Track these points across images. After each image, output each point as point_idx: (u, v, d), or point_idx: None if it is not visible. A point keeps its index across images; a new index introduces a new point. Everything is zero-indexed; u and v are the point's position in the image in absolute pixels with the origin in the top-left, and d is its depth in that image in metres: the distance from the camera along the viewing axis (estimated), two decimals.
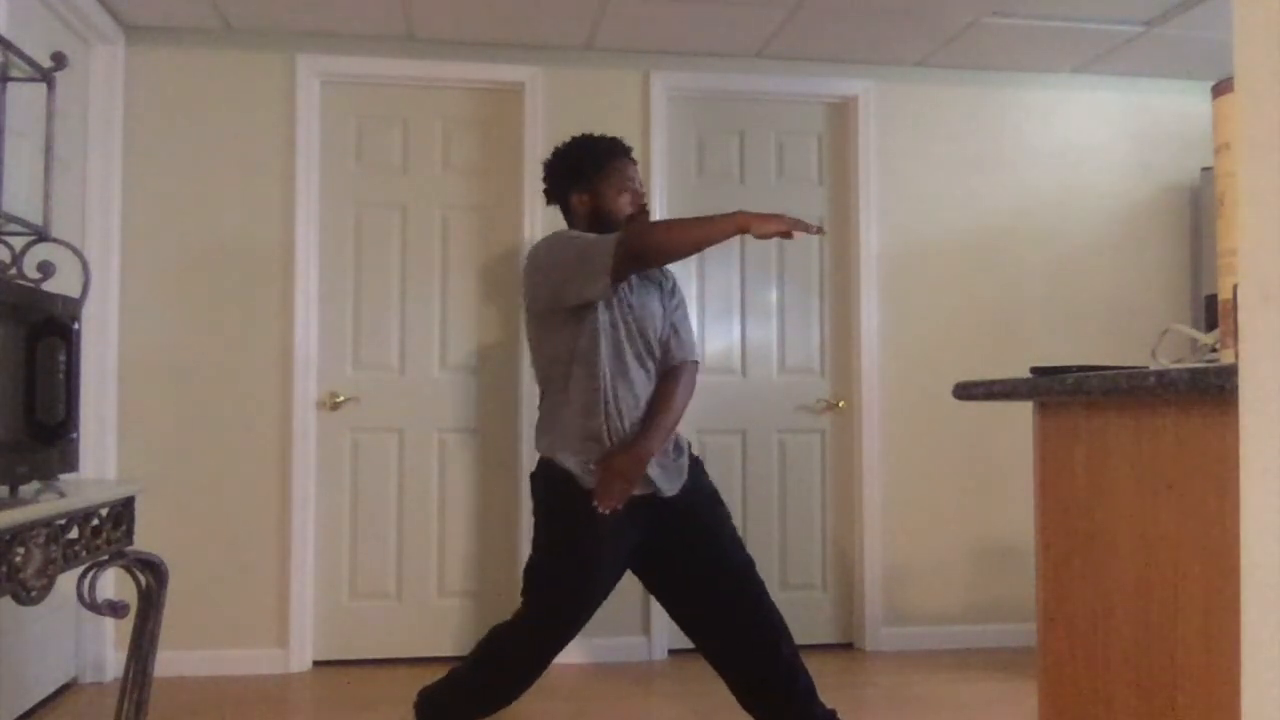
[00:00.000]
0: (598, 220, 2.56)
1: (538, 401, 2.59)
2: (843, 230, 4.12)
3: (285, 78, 3.77)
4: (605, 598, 2.52)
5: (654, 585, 2.59)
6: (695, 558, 2.51)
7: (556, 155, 2.63)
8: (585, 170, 2.57)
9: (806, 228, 2.26)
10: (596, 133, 2.65)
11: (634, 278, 2.51)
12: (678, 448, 2.55)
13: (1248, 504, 0.85)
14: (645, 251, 2.35)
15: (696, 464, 2.60)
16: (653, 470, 2.46)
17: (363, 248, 3.85)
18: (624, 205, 2.57)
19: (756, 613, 2.49)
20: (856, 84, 4.08)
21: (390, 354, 3.85)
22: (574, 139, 2.64)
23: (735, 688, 2.51)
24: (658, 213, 3.81)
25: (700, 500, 2.55)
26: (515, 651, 2.50)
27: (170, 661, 3.33)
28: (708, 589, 2.52)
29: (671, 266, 2.63)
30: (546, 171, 2.65)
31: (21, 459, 1.97)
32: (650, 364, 2.52)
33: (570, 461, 2.44)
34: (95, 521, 2.06)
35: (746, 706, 2.52)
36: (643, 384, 2.49)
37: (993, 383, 1.72)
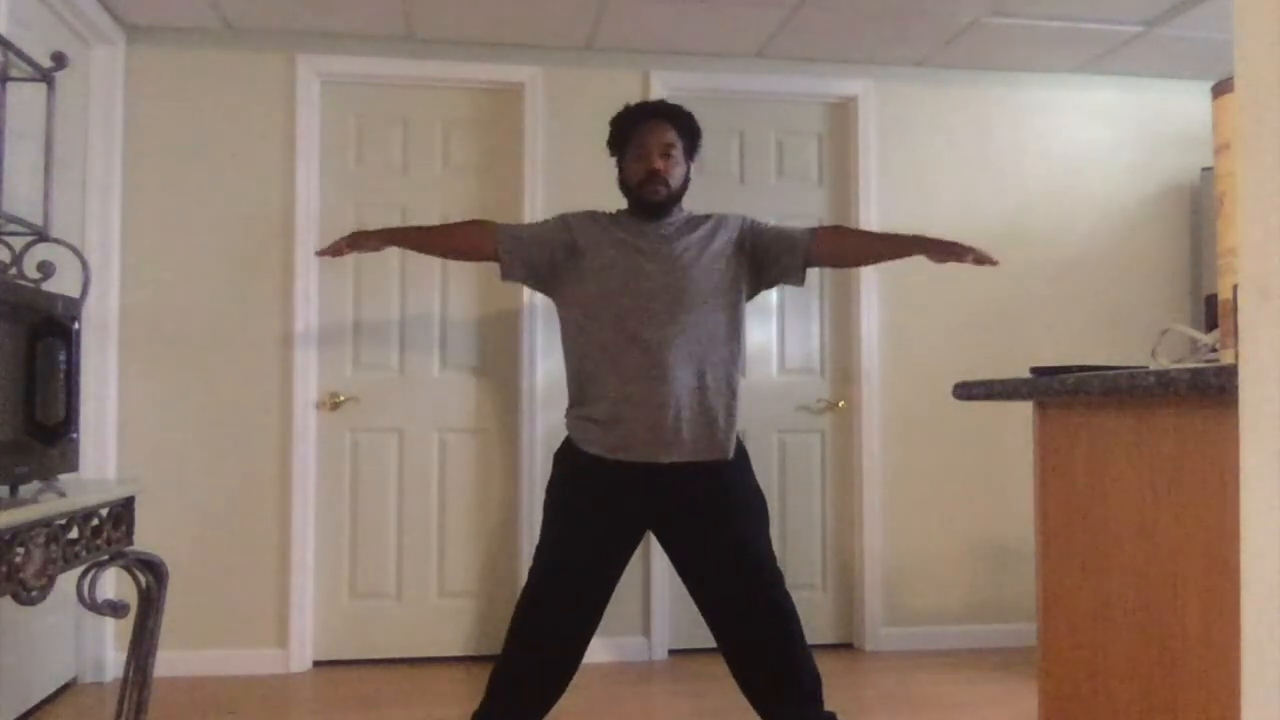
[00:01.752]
0: (623, 189, 2.66)
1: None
2: None
3: (285, 78, 3.77)
4: (597, 570, 2.49)
5: (675, 564, 2.60)
6: (702, 543, 2.51)
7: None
8: (615, 142, 2.67)
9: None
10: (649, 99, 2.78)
11: (623, 242, 2.55)
12: (691, 420, 2.48)
13: (1248, 504, 0.85)
14: None
15: (738, 456, 2.57)
16: (637, 434, 2.45)
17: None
18: (636, 173, 2.60)
19: (756, 609, 2.48)
20: (856, 84, 4.08)
21: (390, 354, 3.85)
22: (625, 106, 2.71)
23: (736, 677, 2.53)
24: None
25: (722, 488, 2.51)
26: (512, 619, 2.54)
27: (170, 661, 3.33)
28: (709, 577, 2.51)
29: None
30: None
31: (21, 459, 1.97)
32: (650, 325, 2.47)
33: (569, 423, 2.60)
34: (95, 521, 2.06)
35: (747, 696, 2.53)
36: (637, 348, 2.46)
37: (993, 383, 1.72)
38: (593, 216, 2.67)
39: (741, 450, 2.59)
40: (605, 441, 2.48)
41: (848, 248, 2.80)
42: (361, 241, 2.67)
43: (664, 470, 2.46)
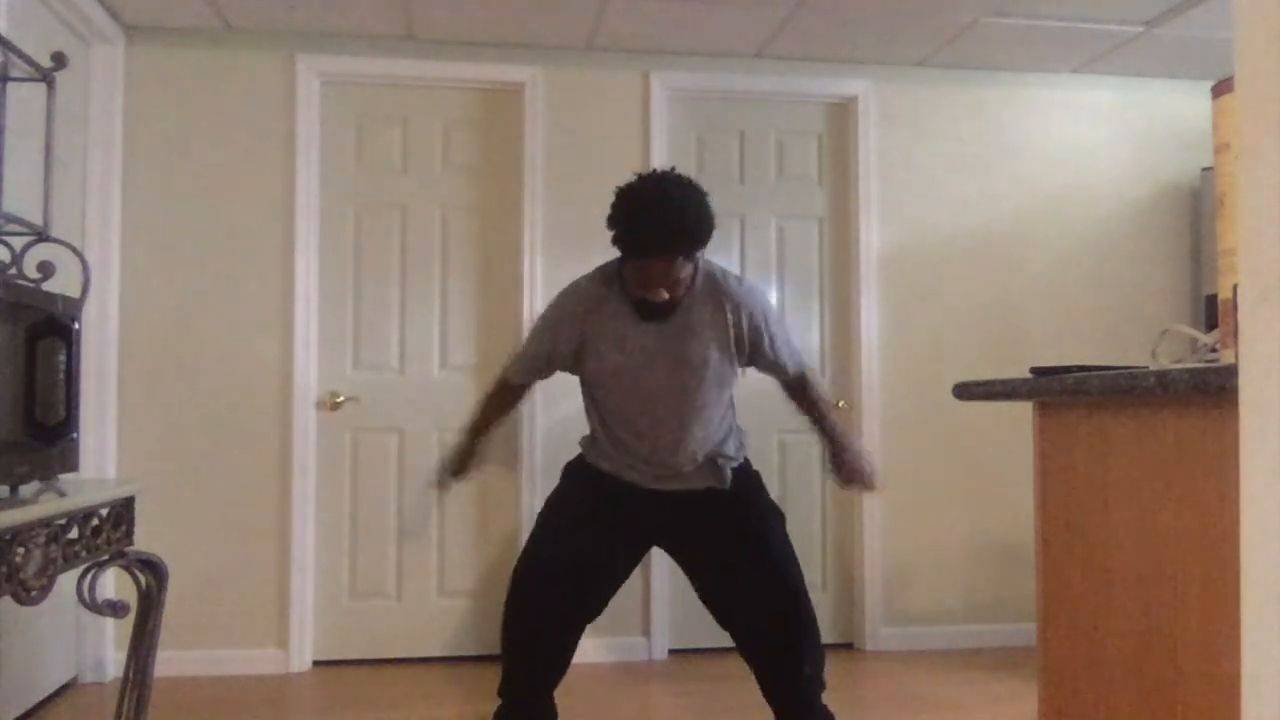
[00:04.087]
0: (621, 272, 2.51)
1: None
2: (843, 230, 4.12)
3: (285, 78, 3.77)
4: (583, 568, 2.53)
5: (692, 579, 2.66)
6: (708, 557, 2.56)
7: (613, 204, 2.38)
8: (617, 245, 2.41)
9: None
10: (656, 201, 2.33)
11: (625, 337, 2.50)
12: (692, 475, 2.57)
13: (1248, 504, 0.85)
14: None
15: (742, 476, 2.63)
16: (628, 471, 2.57)
17: (363, 248, 3.85)
18: (635, 288, 2.42)
19: (760, 622, 2.51)
20: (856, 84, 4.08)
21: (390, 354, 3.85)
22: (630, 202, 2.35)
23: (748, 664, 2.59)
24: None
25: (730, 503, 2.57)
26: (505, 602, 2.60)
27: (170, 661, 3.33)
28: (717, 589, 2.57)
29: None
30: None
31: (21, 459, 1.97)
32: (652, 418, 2.51)
33: (582, 441, 2.70)
34: (95, 521, 2.06)
35: (756, 679, 2.58)
36: (638, 435, 2.53)
37: (993, 383, 1.72)
38: (595, 300, 2.51)
39: (745, 473, 2.63)
40: (614, 466, 2.59)
41: (800, 403, 2.77)
42: (460, 467, 2.73)
43: (668, 492, 2.57)
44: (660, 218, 2.29)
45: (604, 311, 2.49)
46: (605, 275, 2.54)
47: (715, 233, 2.40)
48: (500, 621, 2.59)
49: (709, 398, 2.51)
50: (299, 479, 3.70)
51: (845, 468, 2.67)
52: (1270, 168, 0.82)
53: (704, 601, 2.62)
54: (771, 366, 2.64)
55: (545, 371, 2.66)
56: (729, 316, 2.49)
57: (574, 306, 2.54)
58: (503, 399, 2.73)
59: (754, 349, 2.57)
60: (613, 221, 2.35)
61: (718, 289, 2.50)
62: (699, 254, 2.44)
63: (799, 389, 2.72)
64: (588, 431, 2.68)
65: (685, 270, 2.38)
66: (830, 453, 2.70)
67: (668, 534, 2.61)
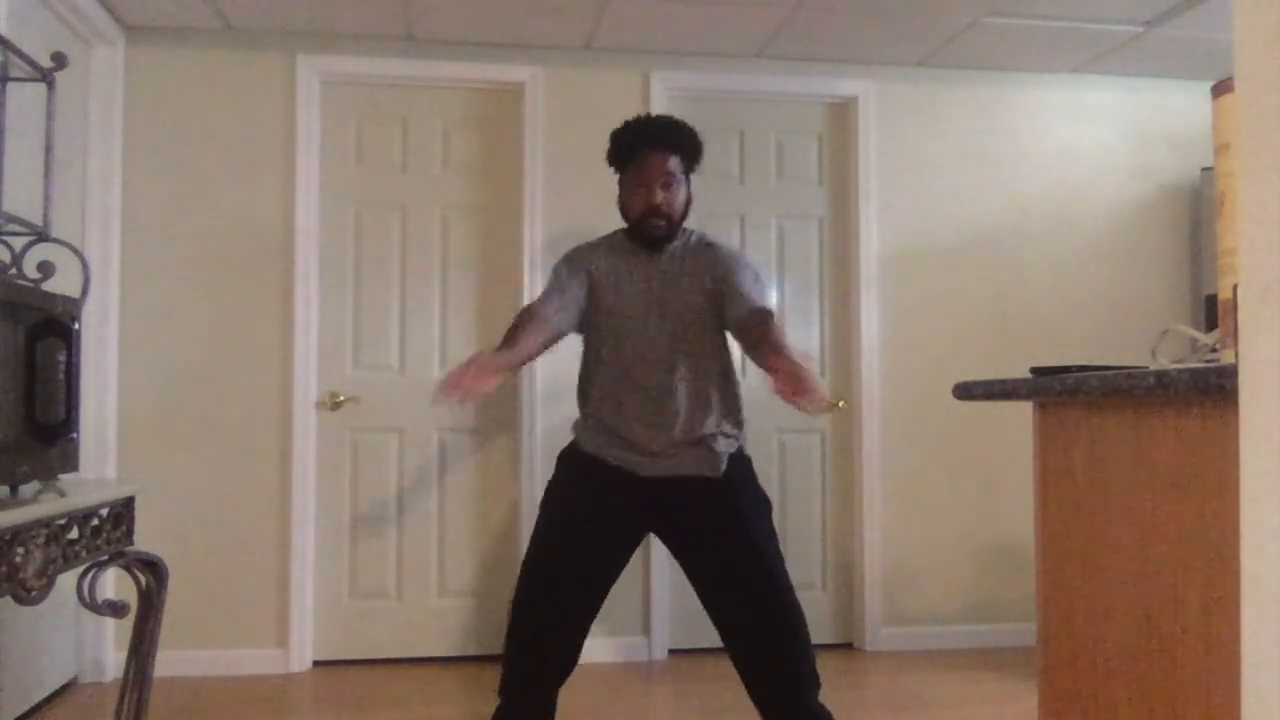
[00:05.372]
0: (623, 213, 2.63)
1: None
2: (843, 230, 4.12)
3: (285, 78, 3.77)
4: (590, 559, 2.50)
5: (684, 569, 2.62)
6: (709, 548, 2.54)
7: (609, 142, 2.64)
8: (615, 162, 2.63)
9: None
10: (646, 115, 2.65)
11: (625, 285, 2.55)
12: (688, 455, 2.54)
13: (1248, 504, 0.85)
14: None
15: (737, 464, 2.59)
16: (619, 452, 2.53)
17: (363, 248, 3.85)
18: (635, 205, 2.56)
19: (766, 617, 2.50)
20: (856, 84, 4.08)
21: (390, 354, 3.85)
22: (624, 123, 2.62)
23: (739, 673, 2.55)
24: None
25: (722, 494, 2.54)
26: (510, 613, 2.56)
27: (170, 661, 3.33)
28: (718, 582, 2.55)
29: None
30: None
31: (21, 459, 1.97)
32: (652, 371, 2.52)
33: (575, 426, 2.66)
34: (95, 521, 2.06)
35: (747, 689, 2.56)
36: (639, 393, 2.51)
37: (993, 383, 1.72)
38: (594, 247, 2.66)
39: (738, 461, 2.61)
40: (606, 449, 2.56)
41: (750, 341, 2.46)
42: (486, 376, 2.26)
43: (660, 480, 2.52)
44: (651, 117, 2.64)
45: (605, 254, 2.62)
46: (605, 235, 2.70)
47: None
48: (504, 620, 2.59)
49: (700, 344, 2.54)
50: (299, 479, 3.70)
51: (791, 376, 2.11)
52: (1270, 168, 0.82)
53: (699, 597, 2.61)
54: (737, 299, 2.48)
55: (561, 297, 2.52)
56: (715, 264, 2.60)
57: (579, 255, 2.66)
58: (531, 333, 2.45)
59: (725, 284, 2.52)
60: (610, 146, 2.60)
61: (708, 244, 2.64)
62: (691, 168, 2.60)
63: (759, 324, 2.41)
64: (579, 412, 2.66)
65: (679, 178, 2.55)
66: (778, 368, 2.17)
67: (659, 524, 2.60)
